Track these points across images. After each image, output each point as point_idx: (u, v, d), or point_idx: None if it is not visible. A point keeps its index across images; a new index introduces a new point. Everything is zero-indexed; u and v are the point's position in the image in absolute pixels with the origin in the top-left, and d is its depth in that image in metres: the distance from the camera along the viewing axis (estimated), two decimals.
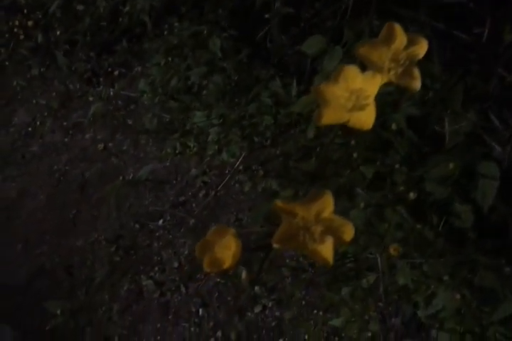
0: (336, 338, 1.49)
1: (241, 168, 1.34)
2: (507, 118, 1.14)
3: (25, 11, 2.20)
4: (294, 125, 1.48)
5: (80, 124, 2.90)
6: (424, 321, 1.58)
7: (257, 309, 2.15)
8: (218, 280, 2.27)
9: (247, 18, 1.65)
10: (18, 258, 2.73)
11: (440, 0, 1.17)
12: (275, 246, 0.58)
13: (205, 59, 1.60)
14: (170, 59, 1.68)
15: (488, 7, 1.18)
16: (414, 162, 1.14)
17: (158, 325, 2.30)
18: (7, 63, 2.28)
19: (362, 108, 0.63)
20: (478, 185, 1.03)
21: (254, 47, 1.64)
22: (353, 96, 0.64)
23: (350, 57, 1.14)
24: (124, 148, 2.75)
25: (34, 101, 2.70)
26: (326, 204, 0.61)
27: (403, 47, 0.66)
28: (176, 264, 2.41)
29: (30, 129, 2.98)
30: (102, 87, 2.46)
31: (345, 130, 0.63)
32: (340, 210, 0.61)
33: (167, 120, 1.67)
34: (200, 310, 2.26)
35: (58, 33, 1.86)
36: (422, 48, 0.67)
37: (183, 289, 2.33)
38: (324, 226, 0.60)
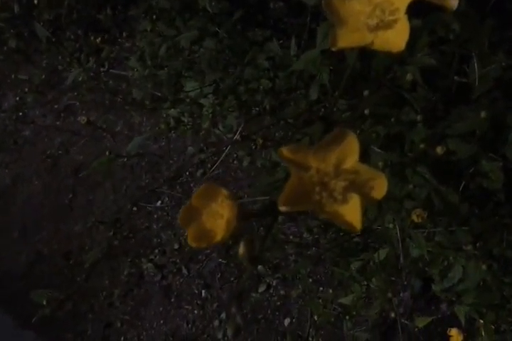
0: (347, 317, 1.35)
1: (239, 138, 1.17)
2: None
3: None
4: (294, 89, 1.31)
5: (72, 106, 2.73)
6: (439, 295, 1.45)
7: (261, 288, 2.01)
8: (220, 260, 2.13)
9: None
10: (16, 246, 2.59)
11: None
12: (282, 209, 0.41)
13: (195, 22, 1.42)
14: (157, 25, 1.50)
15: None
16: (432, 118, 0.98)
17: (161, 309, 2.18)
18: None
19: (389, 25, 0.46)
20: (509, 138, 0.87)
21: (248, 8, 1.46)
22: (377, 10, 0.47)
23: None
24: (118, 129, 2.59)
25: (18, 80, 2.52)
26: (350, 150, 0.43)
27: None
28: (176, 246, 2.26)
29: (21, 114, 2.80)
30: (91, 64, 2.27)
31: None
32: None
33: (157, 89, 1.51)
34: (203, 292, 2.13)
35: (36, 1, 1.67)
36: None
37: (184, 271, 2.20)
38: (347, 180, 0.43)
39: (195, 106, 1.64)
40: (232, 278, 2.09)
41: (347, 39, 0.47)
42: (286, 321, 1.95)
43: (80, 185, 2.57)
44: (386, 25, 0.46)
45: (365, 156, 0.80)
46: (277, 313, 1.99)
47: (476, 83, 0.77)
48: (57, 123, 2.72)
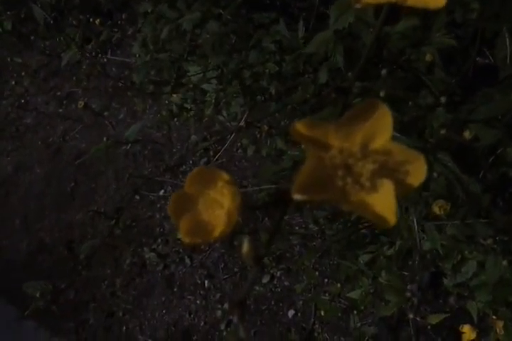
0: (355, 311, 1.27)
1: (243, 124, 1.09)
2: None
3: None
4: (302, 74, 1.21)
5: (75, 94, 2.64)
6: (450, 290, 1.36)
7: (265, 279, 1.93)
8: (223, 250, 2.05)
9: None
10: (18, 234, 2.51)
11: None
12: (297, 197, 0.32)
13: (198, 4, 1.33)
14: (159, 6, 1.40)
15: None
16: (451, 102, 0.88)
17: (163, 299, 2.11)
18: None
19: None
20: None
21: None
22: None
23: None
24: (121, 116, 2.50)
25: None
26: (381, 126, 0.34)
27: None
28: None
29: (23, 101, 2.71)
30: (94, 53, 2.18)
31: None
32: None
33: (159, 75, 1.41)
34: (206, 282, 2.06)
35: None
36: None
37: (187, 261, 2.13)
38: (377, 162, 0.34)
39: (198, 92, 1.55)
40: (235, 269, 2.01)
41: None
42: (290, 312, 1.88)
43: (82, 173, 2.49)
44: None
45: None
46: (281, 304, 1.91)
47: (508, 60, 0.68)
48: (60, 110, 2.63)
